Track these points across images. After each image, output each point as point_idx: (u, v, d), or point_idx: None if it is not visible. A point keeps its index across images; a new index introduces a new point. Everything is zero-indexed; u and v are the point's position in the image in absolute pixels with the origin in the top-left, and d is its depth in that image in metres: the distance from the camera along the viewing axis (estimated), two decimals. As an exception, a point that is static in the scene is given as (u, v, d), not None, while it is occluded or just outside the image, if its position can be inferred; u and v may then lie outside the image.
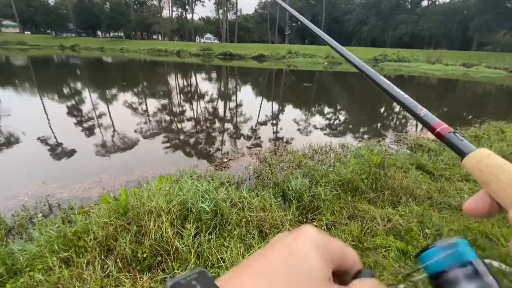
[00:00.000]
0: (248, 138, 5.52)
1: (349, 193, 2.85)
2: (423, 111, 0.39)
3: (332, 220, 2.40)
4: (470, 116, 8.14)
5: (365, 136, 6.03)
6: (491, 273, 0.24)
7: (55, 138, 4.93)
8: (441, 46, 44.51)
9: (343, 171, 3.09)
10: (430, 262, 0.25)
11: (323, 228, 2.28)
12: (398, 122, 7.84)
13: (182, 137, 5.46)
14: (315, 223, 2.37)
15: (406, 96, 0.41)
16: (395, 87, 0.43)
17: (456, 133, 0.33)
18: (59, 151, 4.41)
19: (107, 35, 66.82)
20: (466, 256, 0.24)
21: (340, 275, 0.24)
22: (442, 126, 0.35)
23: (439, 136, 0.35)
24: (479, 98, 12.86)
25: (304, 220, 2.45)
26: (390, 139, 5.57)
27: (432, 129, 0.36)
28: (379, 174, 3.06)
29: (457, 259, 0.24)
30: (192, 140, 5.32)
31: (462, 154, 0.31)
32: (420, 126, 7.31)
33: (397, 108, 9.99)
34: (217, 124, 6.64)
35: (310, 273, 0.20)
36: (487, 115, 7.45)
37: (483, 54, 35.11)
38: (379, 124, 7.48)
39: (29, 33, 59.46)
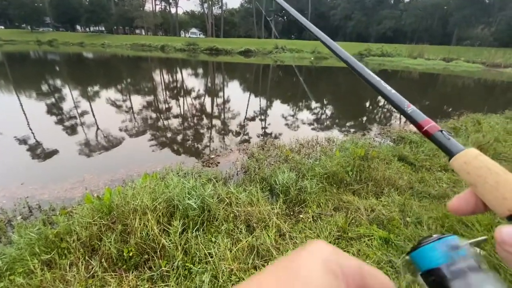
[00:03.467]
0: (236, 134, 5.51)
1: (334, 185, 2.91)
2: (410, 108, 0.37)
3: (318, 212, 2.45)
4: (450, 109, 8.46)
5: (351, 129, 6.15)
6: (483, 267, 0.24)
7: (34, 137, 4.74)
8: (422, 41, 45.74)
9: (329, 164, 3.15)
10: (423, 260, 0.26)
11: (309, 220, 2.33)
12: (382, 116, 8.04)
13: (168, 134, 5.38)
14: (301, 216, 2.41)
15: (393, 91, 0.39)
16: (382, 82, 0.41)
17: (443, 132, 0.32)
18: (38, 151, 4.24)
19: (87, 29, 64.25)
20: (458, 253, 0.24)
21: None
22: (430, 124, 0.34)
23: (427, 134, 0.34)
24: (458, 91, 13.36)
25: (291, 213, 2.49)
26: (375, 132, 5.71)
27: (419, 127, 0.35)
28: (363, 166, 3.14)
29: (449, 257, 0.24)
30: (179, 138, 5.25)
31: (450, 153, 0.30)
32: (403, 119, 7.54)
33: (381, 102, 10.24)
34: (205, 121, 6.57)
35: None
36: (465, 107, 7.77)
37: (462, 48, 36.41)
38: (364, 118, 7.64)
39: (2, 27, 56.30)
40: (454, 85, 15.69)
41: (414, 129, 4.50)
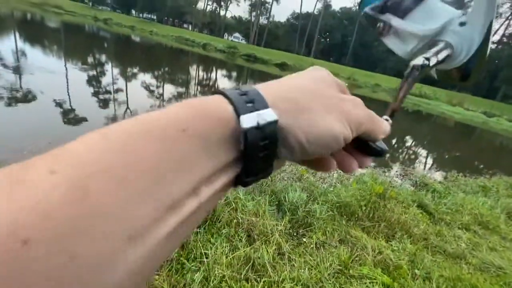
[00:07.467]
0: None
1: (345, 216, 2.80)
2: None
3: (322, 240, 2.35)
4: (482, 166, 7.95)
5: (372, 163, 5.94)
6: None
7: (70, 103, 5.02)
8: (466, 90, 43.88)
9: (343, 194, 3.04)
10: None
11: (311, 246, 2.24)
12: (407, 157, 7.72)
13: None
14: (305, 239, 2.33)
15: None
16: None
17: None
18: (70, 116, 4.49)
19: (140, 15, 68.45)
20: None
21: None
22: None
23: None
24: (494, 150, 12.57)
25: (295, 234, 2.41)
26: (396, 171, 5.48)
27: None
28: (378, 204, 3.00)
29: None
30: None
31: None
32: (428, 164, 7.19)
33: (408, 142, 9.86)
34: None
35: (327, 81, 0.31)
36: (500, 168, 7.25)
37: (507, 106, 34.42)
38: (387, 155, 7.37)
39: (67, -1, 61.33)
40: (491, 142, 14.80)
41: (439, 177, 4.27)
